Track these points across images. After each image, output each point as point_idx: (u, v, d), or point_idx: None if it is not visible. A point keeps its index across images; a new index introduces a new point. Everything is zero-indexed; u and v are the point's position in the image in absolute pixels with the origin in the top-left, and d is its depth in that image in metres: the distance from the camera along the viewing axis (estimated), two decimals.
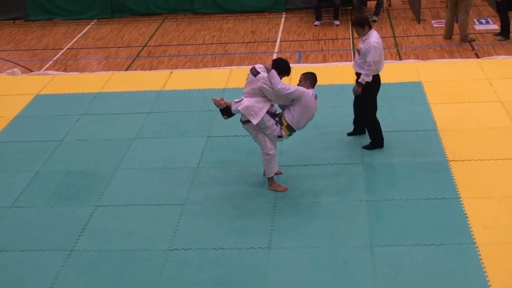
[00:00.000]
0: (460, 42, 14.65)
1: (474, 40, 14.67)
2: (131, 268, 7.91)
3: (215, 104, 9.16)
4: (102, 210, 9.08)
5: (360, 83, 9.78)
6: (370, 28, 9.77)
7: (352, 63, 10.27)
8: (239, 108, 8.77)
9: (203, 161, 10.12)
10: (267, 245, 8.15)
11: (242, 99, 8.84)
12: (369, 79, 9.73)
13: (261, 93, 8.80)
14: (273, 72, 8.78)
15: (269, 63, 8.93)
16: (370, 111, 10.07)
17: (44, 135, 11.24)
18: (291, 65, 13.45)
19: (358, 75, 9.93)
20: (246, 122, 8.95)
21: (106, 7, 18.05)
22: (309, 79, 9.15)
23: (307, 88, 9.00)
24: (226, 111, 9.11)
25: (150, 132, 11.13)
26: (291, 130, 8.99)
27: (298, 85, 9.08)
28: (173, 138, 10.92)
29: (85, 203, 9.25)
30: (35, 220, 8.96)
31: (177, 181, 9.64)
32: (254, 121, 8.74)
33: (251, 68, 8.98)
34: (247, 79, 8.95)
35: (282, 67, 8.94)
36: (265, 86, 8.74)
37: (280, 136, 8.98)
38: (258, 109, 8.76)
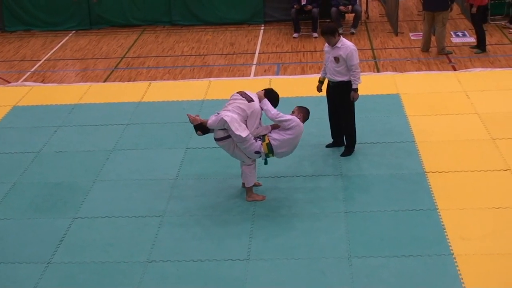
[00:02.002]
0: (437, 54, 14.77)
1: (451, 53, 14.79)
2: (109, 281, 7.87)
3: (190, 120, 9.06)
4: (80, 222, 9.03)
5: (356, 88, 9.95)
6: (339, 35, 9.93)
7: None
8: (226, 119, 8.63)
9: (182, 173, 10.10)
10: (245, 256, 8.15)
11: (221, 113, 8.82)
12: (361, 81, 9.95)
13: (245, 119, 8.82)
14: (266, 100, 8.94)
15: (260, 91, 9.04)
16: (353, 116, 10.21)
17: (21, 146, 11.17)
18: (269, 77, 13.63)
19: (336, 84, 10.01)
20: (221, 139, 8.93)
21: (84, 19, 17.99)
22: (303, 113, 9.25)
23: (300, 119, 9.12)
24: (201, 128, 9.07)
25: (129, 144, 11.10)
26: (270, 150, 8.97)
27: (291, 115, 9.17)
28: (151, 149, 10.89)
29: (62, 215, 9.20)
30: (12, 232, 8.89)
31: (155, 193, 9.62)
32: (243, 134, 8.69)
33: (241, 92, 8.97)
34: (235, 99, 8.89)
35: (273, 97, 9.12)
36: (254, 115, 8.81)
37: (257, 152, 8.96)
38: (244, 125, 8.77)
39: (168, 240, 8.57)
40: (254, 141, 8.86)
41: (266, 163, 9.26)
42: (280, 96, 12.49)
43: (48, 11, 18.05)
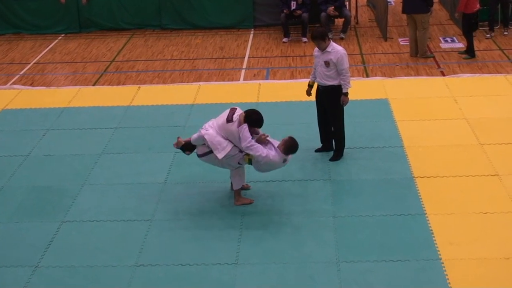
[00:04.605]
0: (420, 57, 14.86)
1: (432, 56, 14.88)
2: (97, 285, 7.85)
3: (175, 146, 9.27)
4: (68, 226, 9.00)
5: (346, 92, 9.99)
6: (329, 39, 10.00)
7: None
8: (205, 136, 8.73)
9: (170, 177, 10.09)
10: (234, 261, 8.14)
11: (204, 130, 8.85)
12: (351, 85, 10.00)
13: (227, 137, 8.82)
14: (244, 126, 8.66)
15: (242, 114, 8.77)
16: (342, 121, 10.26)
17: (10, 150, 11.14)
18: (259, 81, 13.64)
19: (326, 88, 10.04)
20: (204, 154, 8.98)
21: (74, 22, 17.96)
22: (284, 146, 8.86)
23: (281, 149, 8.84)
24: (187, 147, 9.18)
25: (117, 148, 11.08)
26: (250, 163, 8.94)
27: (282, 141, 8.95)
28: (140, 153, 10.88)
29: (50, 219, 9.17)
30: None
31: (144, 196, 9.60)
32: (219, 155, 8.71)
33: (232, 109, 8.86)
34: (223, 115, 8.88)
35: (253, 120, 8.79)
36: (232, 136, 8.74)
37: (240, 163, 8.99)
38: (224, 144, 8.76)
39: (156, 244, 8.55)
40: (238, 152, 8.84)
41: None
42: (269, 100, 12.58)
43: (37, 14, 18.01)
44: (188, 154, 9.35)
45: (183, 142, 9.20)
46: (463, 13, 14.57)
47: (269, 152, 8.76)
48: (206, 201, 9.42)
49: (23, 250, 8.52)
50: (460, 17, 14.92)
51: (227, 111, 8.90)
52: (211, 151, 8.84)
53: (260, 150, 8.69)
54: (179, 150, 10.69)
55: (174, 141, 10.86)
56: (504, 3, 16.13)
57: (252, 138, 8.71)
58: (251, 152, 8.69)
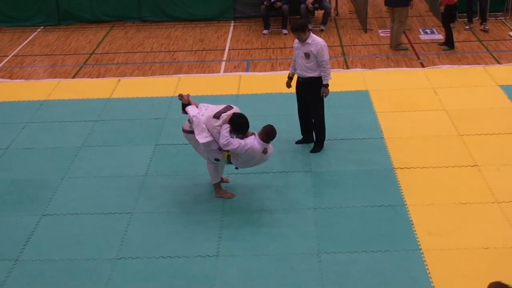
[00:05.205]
0: (393, 49, 14.90)
1: (406, 49, 14.93)
2: (78, 278, 7.84)
3: (180, 97, 9.07)
4: (48, 219, 8.97)
5: (327, 84, 10.02)
6: (309, 31, 10.04)
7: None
8: (193, 118, 8.72)
9: (151, 169, 10.08)
10: (215, 253, 8.16)
11: (202, 113, 8.81)
12: (331, 76, 10.03)
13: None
14: (225, 126, 8.61)
15: (229, 115, 8.70)
16: (322, 112, 10.27)
17: None
18: (239, 73, 13.63)
19: (306, 79, 10.06)
20: (188, 132, 8.97)
21: (52, 14, 17.81)
22: (263, 131, 8.81)
23: (260, 137, 8.79)
24: (185, 109, 9.12)
25: (98, 140, 11.04)
26: (229, 161, 8.94)
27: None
28: (120, 146, 10.85)
29: (30, 212, 9.13)
30: None
31: (124, 189, 9.58)
32: (199, 139, 8.69)
33: (226, 107, 8.83)
34: (219, 107, 8.85)
35: (237, 124, 8.68)
36: (212, 132, 8.75)
37: (217, 160, 8.99)
38: (207, 133, 8.72)
39: (137, 237, 8.55)
40: (217, 150, 8.84)
41: (237, 167, 9.20)
42: (250, 92, 12.58)
43: (15, 7, 17.82)
44: (182, 113, 9.16)
45: (187, 103, 9.02)
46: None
47: (246, 141, 8.67)
48: (187, 194, 9.42)
49: (3, 244, 8.48)
50: (442, 10, 14.94)
51: (221, 106, 8.88)
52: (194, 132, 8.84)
53: (237, 142, 8.62)
54: (160, 143, 10.72)
55: (154, 134, 10.88)
56: None
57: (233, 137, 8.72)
58: (229, 148, 8.64)
